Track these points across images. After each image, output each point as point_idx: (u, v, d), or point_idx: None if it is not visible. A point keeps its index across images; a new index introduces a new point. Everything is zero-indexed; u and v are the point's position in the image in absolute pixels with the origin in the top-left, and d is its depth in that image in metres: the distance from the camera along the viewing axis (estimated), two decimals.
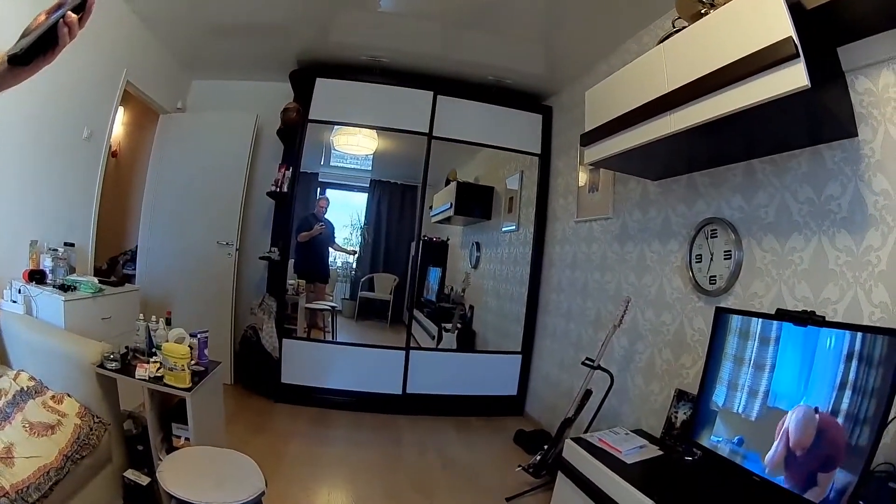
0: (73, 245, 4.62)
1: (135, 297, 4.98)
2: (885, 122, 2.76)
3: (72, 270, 4.48)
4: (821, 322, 2.70)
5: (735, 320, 3.24)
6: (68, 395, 3.25)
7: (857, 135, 2.89)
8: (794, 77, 2.39)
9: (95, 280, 4.46)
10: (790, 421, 2.68)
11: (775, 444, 2.77)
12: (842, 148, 2.98)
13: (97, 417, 3.22)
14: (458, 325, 7.14)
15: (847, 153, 2.95)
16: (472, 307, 7.49)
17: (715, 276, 3.83)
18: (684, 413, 3.86)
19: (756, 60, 2.55)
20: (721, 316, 3.36)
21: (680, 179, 4.33)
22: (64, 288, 4.05)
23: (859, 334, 2.47)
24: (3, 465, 2.51)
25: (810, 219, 3.15)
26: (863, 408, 2.37)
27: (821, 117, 2.84)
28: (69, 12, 1.33)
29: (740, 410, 3.08)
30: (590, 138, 4.11)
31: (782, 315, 2.90)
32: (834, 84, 2.82)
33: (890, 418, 2.27)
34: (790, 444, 2.66)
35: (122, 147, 7.73)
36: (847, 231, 2.92)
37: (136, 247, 7.01)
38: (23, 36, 1.34)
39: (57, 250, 4.35)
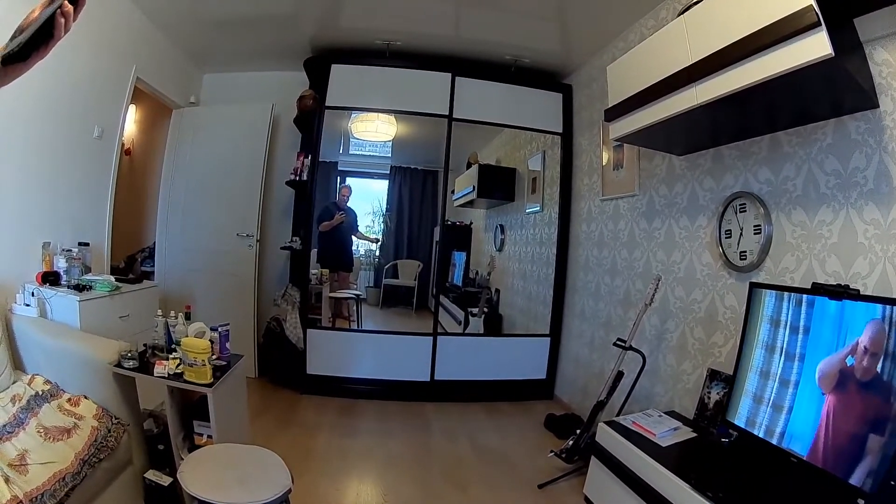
0: (87, 245, 4.58)
1: (153, 293, 4.95)
2: None
3: (87, 270, 4.45)
4: (856, 296, 2.64)
5: (770, 296, 3.17)
6: (85, 397, 3.22)
7: (878, 106, 2.83)
8: (817, 46, 2.34)
9: (112, 279, 4.44)
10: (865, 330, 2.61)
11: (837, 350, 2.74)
12: (865, 119, 2.91)
13: (115, 418, 3.18)
14: (485, 310, 7.10)
15: (870, 124, 2.88)
16: (497, 290, 7.45)
17: (745, 252, 3.75)
18: (717, 393, 3.79)
19: (778, 30, 2.50)
20: (755, 291, 3.29)
21: (706, 154, 4.24)
22: (79, 288, 4.03)
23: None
24: (17, 473, 2.47)
25: (838, 191, 3.07)
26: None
27: (844, 87, 2.75)
28: (66, 2, 1.32)
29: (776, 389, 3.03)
30: (614, 113, 4.04)
31: (817, 289, 2.85)
32: (855, 54, 2.75)
33: None
34: (863, 345, 2.58)
35: (135, 145, 7.78)
36: (874, 203, 2.85)
37: (154, 243, 7.02)
38: (15, 34, 1.32)
39: (71, 251, 4.31)
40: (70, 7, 1.32)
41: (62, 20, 1.31)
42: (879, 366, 2.46)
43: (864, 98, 2.80)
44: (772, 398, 3.05)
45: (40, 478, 2.50)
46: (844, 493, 2.47)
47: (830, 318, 2.75)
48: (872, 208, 2.84)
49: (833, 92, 2.84)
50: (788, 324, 3.00)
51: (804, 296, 2.92)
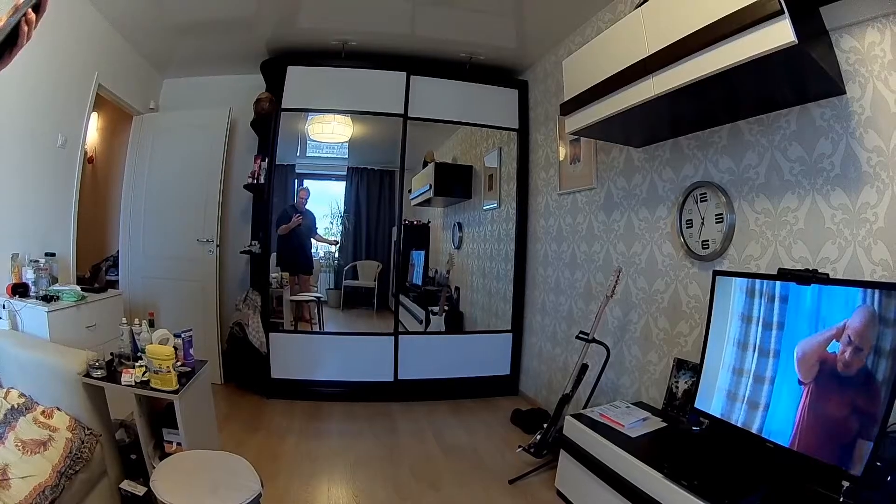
0: (53, 255, 4.49)
1: (118, 302, 4.86)
2: (872, 78, 2.72)
3: (54, 281, 4.36)
4: (825, 280, 2.66)
5: (736, 283, 3.19)
6: (58, 409, 3.16)
7: (845, 92, 2.85)
8: (780, 33, 2.35)
9: (78, 288, 4.35)
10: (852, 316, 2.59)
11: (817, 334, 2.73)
12: (830, 106, 2.94)
13: (88, 429, 3.13)
14: (445, 308, 7.11)
15: (836, 111, 2.91)
16: (457, 288, 7.46)
17: (707, 241, 3.78)
18: (685, 382, 3.83)
19: (739, 18, 2.50)
20: (719, 279, 3.32)
21: (664, 145, 4.27)
22: (47, 299, 3.95)
23: (865, 291, 2.44)
24: (0, 489, 2.43)
25: (802, 177, 3.10)
26: (878, 366, 2.33)
27: (808, 75, 2.79)
28: (29, 10, 1.32)
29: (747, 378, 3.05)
30: (569, 107, 4.04)
31: (784, 275, 2.86)
32: (819, 42, 2.76)
33: None
34: (848, 333, 2.56)
35: (97, 153, 7.63)
36: (842, 189, 2.88)
37: (118, 252, 6.89)
38: None
39: (38, 261, 4.22)
40: (33, 15, 1.32)
41: (25, 28, 1.32)
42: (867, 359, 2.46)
43: (830, 85, 2.82)
44: (744, 386, 3.07)
45: (22, 492, 2.46)
46: (827, 476, 2.47)
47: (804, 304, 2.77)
48: (840, 193, 2.87)
49: (798, 79, 2.86)
50: (761, 319, 3.01)
51: (776, 285, 2.93)
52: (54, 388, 3.23)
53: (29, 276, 4.11)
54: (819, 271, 2.72)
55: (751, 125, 3.46)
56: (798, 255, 3.09)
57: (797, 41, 2.30)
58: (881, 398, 2.32)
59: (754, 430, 2.94)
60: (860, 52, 2.77)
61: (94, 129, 7.25)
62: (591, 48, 3.84)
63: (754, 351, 3.02)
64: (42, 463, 2.71)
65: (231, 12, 5.51)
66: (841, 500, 2.35)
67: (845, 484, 2.36)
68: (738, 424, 3.05)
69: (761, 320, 2.99)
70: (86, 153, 5.78)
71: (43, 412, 3.11)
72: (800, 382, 2.76)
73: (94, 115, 6.48)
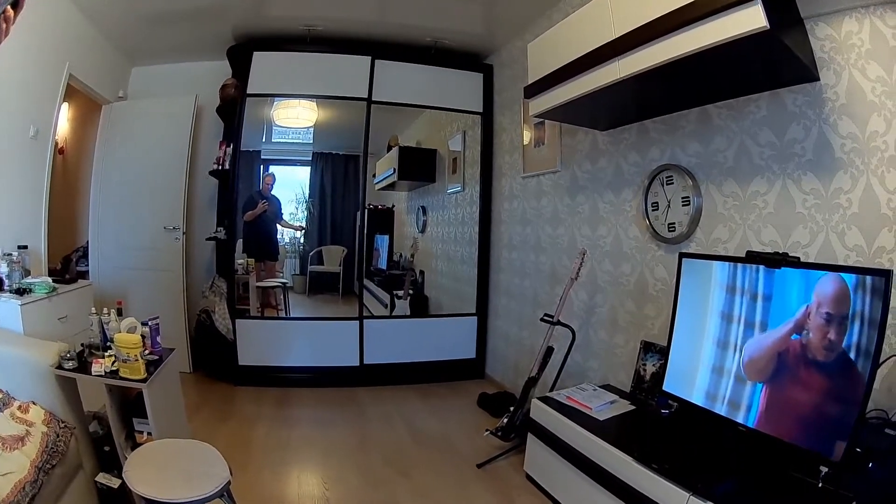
0: (26, 248, 4.42)
1: (88, 292, 4.81)
2: (848, 66, 2.72)
3: (27, 273, 4.28)
4: (795, 263, 2.67)
5: (713, 267, 3.15)
6: (33, 403, 3.10)
7: (818, 79, 2.85)
8: (752, 18, 2.34)
9: (49, 280, 4.28)
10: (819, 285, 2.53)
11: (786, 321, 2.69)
12: (803, 92, 2.95)
13: (62, 422, 3.08)
14: (410, 292, 7.09)
15: (809, 97, 2.91)
16: (422, 272, 7.46)
17: (674, 223, 3.79)
18: (653, 365, 3.85)
19: (711, 2, 2.49)
20: (685, 262, 3.32)
21: (631, 128, 4.28)
22: (20, 292, 3.89)
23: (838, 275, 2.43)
24: None
25: (773, 162, 3.11)
26: (853, 352, 2.33)
27: (780, 61, 2.79)
28: (8, 7, 1.31)
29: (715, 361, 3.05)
30: (534, 90, 4.02)
31: (753, 258, 2.86)
32: (794, 28, 2.76)
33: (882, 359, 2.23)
34: (815, 303, 2.52)
35: (68, 143, 7.48)
36: (814, 174, 2.89)
37: (88, 242, 6.81)
38: None
39: (11, 255, 4.15)
40: (11, 12, 1.32)
41: (4, 24, 1.31)
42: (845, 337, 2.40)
43: (804, 71, 2.82)
44: (716, 371, 3.07)
45: (3, 490, 2.42)
46: (804, 461, 2.46)
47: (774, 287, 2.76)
48: (812, 178, 2.88)
49: (769, 65, 2.86)
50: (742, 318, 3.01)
51: (745, 272, 2.93)
52: (29, 382, 3.19)
53: (2, 269, 4.03)
54: (789, 254, 2.74)
55: (720, 109, 3.46)
56: (768, 239, 3.11)
57: (769, 27, 2.28)
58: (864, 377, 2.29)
59: (726, 414, 2.94)
60: (836, 41, 2.77)
61: (64, 120, 7.11)
62: (557, 31, 3.82)
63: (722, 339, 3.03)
64: (21, 459, 2.66)
65: (201, 1, 5.45)
66: (820, 485, 2.35)
67: (824, 469, 2.35)
68: (713, 409, 3.04)
69: (730, 304, 2.99)
70: (57, 144, 5.68)
71: (19, 407, 3.05)
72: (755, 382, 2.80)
73: (65, 105, 6.38)
